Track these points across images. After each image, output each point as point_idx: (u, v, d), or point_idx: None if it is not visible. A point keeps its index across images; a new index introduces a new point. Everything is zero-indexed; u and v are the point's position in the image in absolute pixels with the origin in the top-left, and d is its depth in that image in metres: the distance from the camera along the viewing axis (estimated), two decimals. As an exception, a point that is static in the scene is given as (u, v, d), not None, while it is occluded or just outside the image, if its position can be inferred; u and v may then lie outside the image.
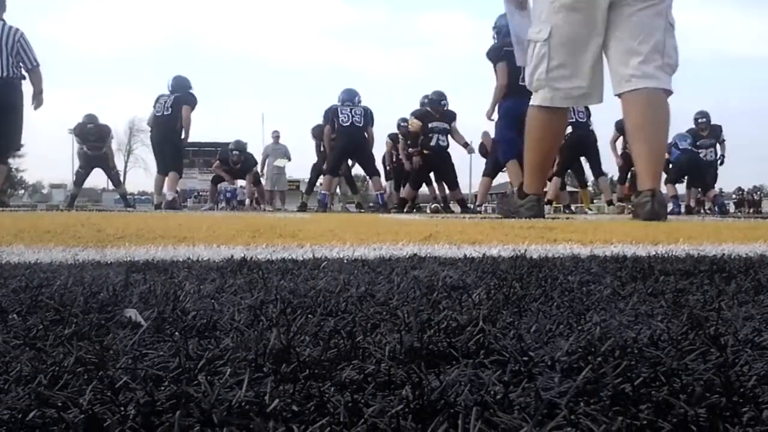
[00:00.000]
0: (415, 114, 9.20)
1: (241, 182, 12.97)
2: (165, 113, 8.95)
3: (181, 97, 8.98)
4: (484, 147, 9.85)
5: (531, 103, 4.16)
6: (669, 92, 3.81)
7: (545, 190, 9.50)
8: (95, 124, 10.02)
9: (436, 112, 8.96)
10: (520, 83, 6.98)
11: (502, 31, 7.14)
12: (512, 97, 7.02)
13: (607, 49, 3.88)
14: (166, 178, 9.00)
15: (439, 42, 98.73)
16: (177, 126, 8.90)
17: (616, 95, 3.88)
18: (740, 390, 0.39)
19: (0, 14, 6.32)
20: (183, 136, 9.06)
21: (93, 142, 9.98)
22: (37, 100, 6.50)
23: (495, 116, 7.37)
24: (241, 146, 11.47)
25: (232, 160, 11.23)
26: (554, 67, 3.94)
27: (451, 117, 9.09)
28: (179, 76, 9.29)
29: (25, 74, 6.41)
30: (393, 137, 10.52)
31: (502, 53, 6.90)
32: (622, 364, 0.44)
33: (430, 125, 8.95)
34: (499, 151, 7.74)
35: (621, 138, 10.43)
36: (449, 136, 9.08)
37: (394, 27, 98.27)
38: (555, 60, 3.93)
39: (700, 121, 10.54)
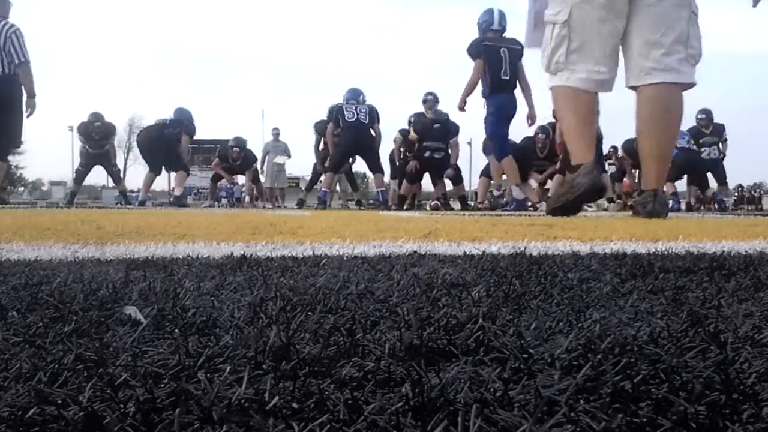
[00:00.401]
0: (415, 126, 9.27)
1: (241, 179, 12.95)
2: (160, 123, 9.84)
3: (183, 122, 9.82)
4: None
5: (549, 84, 3.94)
6: (692, 84, 3.73)
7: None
8: (102, 122, 10.27)
9: (433, 131, 9.05)
10: (503, 77, 7.02)
11: (481, 26, 7.23)
12: (500, 94, 7.13)
13: (626, 39, 3.74)
14: (174, 176, 9.92)
15: (443, 37, 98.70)
16: (165, 132, 9.66)
17: (629, 87, 3.76)
18: (740, 387, 0.39)
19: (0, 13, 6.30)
20: (182, 160, 9.90)
21: (97, 140, 10.29)
22: (30, 105, 6.42)
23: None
24: (240, 143, 11.47)
25: (232, 157, 11.23)
26: (574, 50, 3.75)
27: (451, 133, 9.21)
28: (182, 108, 10.13)
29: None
30: (404, 133, 10.55)
31: (481, 49, 7.02)
32: (621, 361, 0.44)
33: (425, 143, 9.10)
34: (493, 149, 7.78)
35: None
36: (448, 147, 9.24)
37: (395, 21, 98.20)
38: (575, 42, 3.74)
39: (700, 117, 10.48)
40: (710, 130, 10.41)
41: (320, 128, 10.45)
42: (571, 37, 3.74)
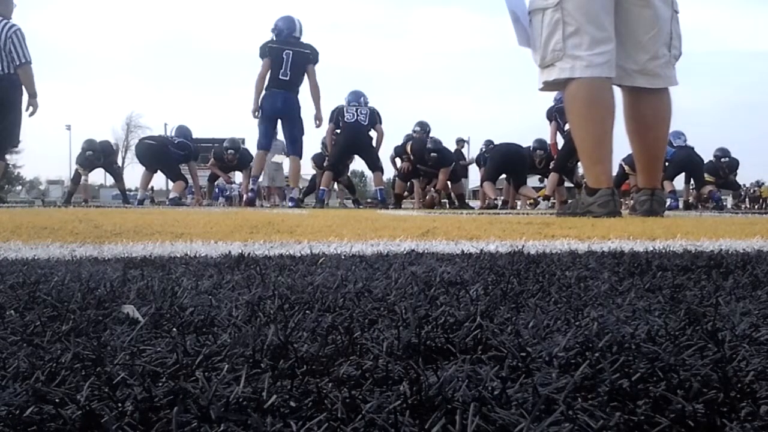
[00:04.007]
0: (413, 146, 9.55)
1: (238, 177, 12.93)
2: (164, 138, 10.37)
3: (189, 146, 10.25)
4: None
5: (548, 78, 3.59)
6: (674, 85, 3.69)
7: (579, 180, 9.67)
8: (94, 151, 10.73)
9: (429, 159, 9.38)
10: (280, 77, 7.39)
11: (282, 33, 7.61)
12: (271, 89, 7.52)
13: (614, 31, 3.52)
14: (174, 185, 10.16)
15: (438, 37, 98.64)
16: (171, 151, 9.99)
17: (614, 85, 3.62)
18: (738, 385, 0.39)
19: (2, 13, 6.34)
20: (182, 173, 10.30)
21: (101, 164, 10.96)
22: (32, 104, 6.48)
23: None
24: (235, 144, 11.47)
25: (227, 158, 11.23)
26: (571, 34, 3.43)
27: (444, 163, 9.49)
28: (182, 126, 10.51)
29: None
30: (398, 151, 10.70)
31: (266, 49, 7.50)
32: (619, 359, 0.44)
33: (418, 165, 9.56)
34: (257, 141, 8.08)
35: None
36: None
37: (392, 21, 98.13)
38: (571, 25, 3.42)
39: (723, 161, 11.11)
40: (725, 173, 11.17)
41: (318, 160, 10.73)
42: (566, 20, 3.43)
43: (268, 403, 0.36)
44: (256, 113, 7.67)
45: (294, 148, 7.80)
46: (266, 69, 7.53)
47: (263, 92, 7.57)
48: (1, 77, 6.26)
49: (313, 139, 11.34)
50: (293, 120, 7.67)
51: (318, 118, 7.83)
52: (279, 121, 7.76)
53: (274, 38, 7.61)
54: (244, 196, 9.06)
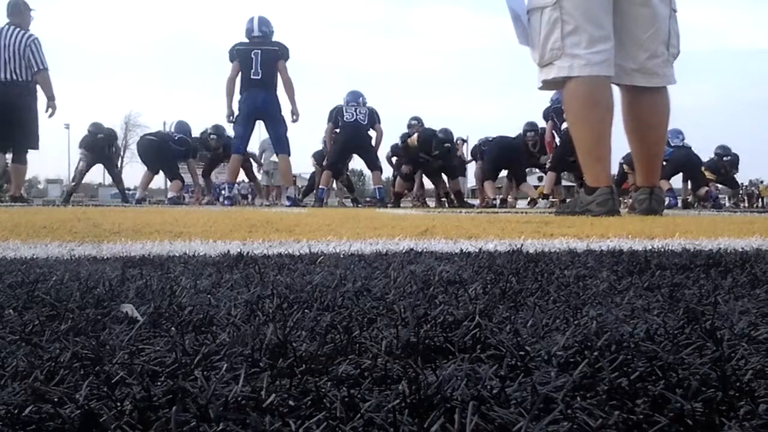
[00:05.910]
0: (420, 135, 9.53)
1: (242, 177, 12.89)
2: (164, 135, 10.26)
3: (189, 142, 10.21)
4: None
5: (544, 78, 3.59)
6: (672, 83, 3.69)
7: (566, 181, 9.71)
8: (104, 134, 10.72)
9: (435, 147, 9.37)
10: (252, 77, 7.38)
11: (246, 34, 7.64)
12: (249, 91, 7.51)
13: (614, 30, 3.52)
14: (171, 184, 10.22)
15: (437, 35, 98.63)
16: (173, 147, 9.99)
17: (612, 82, 3.60)
18: (736, 384, 0.39)
19: (14, 21, 6.61)
20: (179, 172, 10.35)
21: (100, 151, 10.79)
22: (51, 106, 6.82)
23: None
24: (219, 130, 11.43)
25: (213, 146, 11.21)
26: (570, 32, 3.42)
27: (441, 157, 9.49)
28: (182, 121, 10.47)
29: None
30: (396, 149, 10.68)
31: (234, 52, 7.54)
32: (618, 358, 0.44)
33: (421, 153, 9.52)
34: (233, 145, 8.11)
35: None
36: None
37: (392, 20, 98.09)
38: (570, 24, 3.42)
39: (726, 160, 11.26)
40: (726, 169, 11.31)
41: (318, 157, 10.72)
42: (564, 19, 3.43)
43: (267, 402, 0.36)
44: (231, 117, 7.62)
45: (281, 146, 7.72)
46: (235, 72, 7.50)
47: (241, 95, 7.52)
48: (19, 84, 6.58)
49: (312, 138, 11.31)
50: (275, 118, 7.61)
51: (294, 113, 7.69)
52: (261, 122, 7.70)
53: (253, 40, 7.56)
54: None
